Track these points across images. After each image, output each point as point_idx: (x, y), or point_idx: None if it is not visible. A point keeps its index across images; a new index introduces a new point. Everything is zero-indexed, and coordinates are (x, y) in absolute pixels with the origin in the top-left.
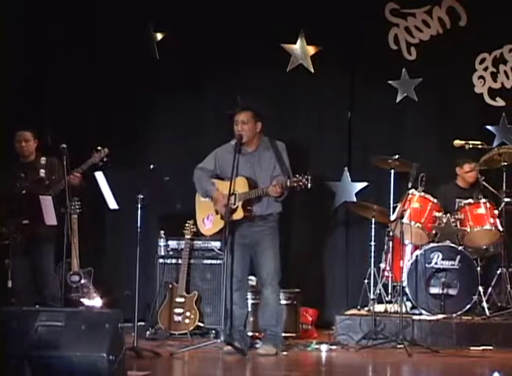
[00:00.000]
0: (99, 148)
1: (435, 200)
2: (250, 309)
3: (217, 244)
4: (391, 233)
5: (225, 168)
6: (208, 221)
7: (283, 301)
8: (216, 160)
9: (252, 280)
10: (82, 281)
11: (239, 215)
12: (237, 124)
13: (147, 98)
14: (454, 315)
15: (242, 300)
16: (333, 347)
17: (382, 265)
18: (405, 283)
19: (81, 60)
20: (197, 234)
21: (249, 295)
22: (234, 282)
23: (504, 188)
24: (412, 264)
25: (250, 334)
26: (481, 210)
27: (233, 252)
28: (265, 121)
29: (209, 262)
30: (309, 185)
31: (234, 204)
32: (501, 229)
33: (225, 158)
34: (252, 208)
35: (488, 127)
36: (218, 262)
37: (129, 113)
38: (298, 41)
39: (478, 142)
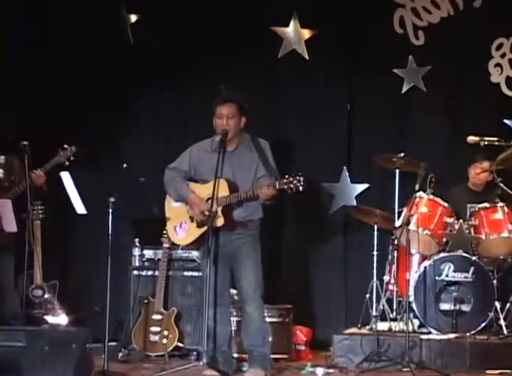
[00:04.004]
0: (66, 146)
1: (446, 204)
2: (234, 328)
3: (199, 254)
4: (395, 242)
5: (200, 169)
6: (181, 229)
7: (274, 319)
8: (191, 160)
9: (236, 295)
10: (46, 296)
11: (219, 221)
12: (221, 118)
13: (120, 89)
14: (467, 334)
15: (224, 317)
16: (331, 370)
17: (386, 278)
18: (411, 298)
19: (44, 45)
20: None
21: (233, 312)
22: (214, 296)
23: None
24: (419, 276)
25: (235, 355)
26: (498, 215)
27: (216, 263)
28: (253, 114)
29: (190, 274)
30: (301, 187)
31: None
32: None
33: (201, 157)
34: (232, 214)
35: (506, 121)
36: (200, 274)
37: (99, 105)
38: (291, 24)
39: (495, 139)
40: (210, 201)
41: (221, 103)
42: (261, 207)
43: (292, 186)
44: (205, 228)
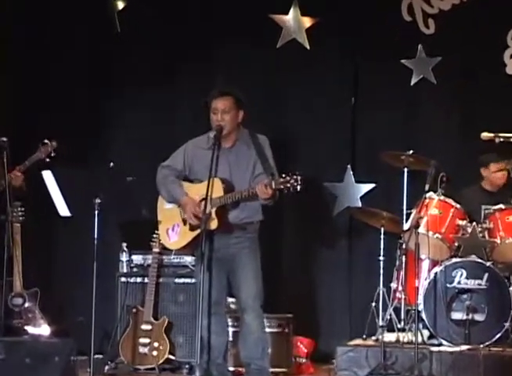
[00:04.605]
0: (46, 141)
1: (458, 206)
2: (231, 339)
3: (192, 260)
4: (403, 246)
5: (194, 168)
6: (173, 232)
7: (273, 329)
8: (185, 158)
9: (233, 303)
10: (26, 304)
11: (213, 224)
12: (216, 113)
13: (107, 82)
14: (481, 346)
15: (220, 327)
16: None
17: (393, 285)
18: (421, 307)
19: (25, 35)
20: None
21: (229, 321)
22: (208, 305)
23: None
24: (429, 283)
25: (231, 368)
26: None
27: (210, 269)
28: (250, 108)
29: (182, 280)
30: (299, 187)
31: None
32: None
33: (197, 155)
34: (228, 216)
35: None
36: (193, 280)
37: (85, 99)
38: (291, 11)
39: (511, 135)
40: (203, 202)
41: (217, 97)
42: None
43: (289, 185)
44: (198, 231)
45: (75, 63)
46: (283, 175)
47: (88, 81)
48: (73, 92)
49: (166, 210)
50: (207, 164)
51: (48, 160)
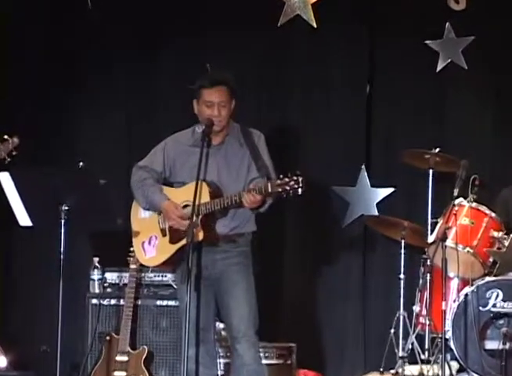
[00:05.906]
0: (6, 137)
1: (493, 214)
2: (221, 372)
3: (175, 278)
4: (428, 262)
5: (176, 169)
6: (150, 246)
7: (272, 361)
8: (165, 157)
9: (224, 330)
10: None
11: (199, 235)
12: (210, 107)
13: (74, 65)
14: None
15: (208, 358)
16: None
17: (416, 308)
18: (449, 335)
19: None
20: None
21: (220, 351)
22: (195, 332)
23: None
24: (459, 306)
25: None
26: None
27: (198, 289)
28: (245, 99)
29: (164, 303)
30: (300, 190)
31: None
32: None
33: (179, 153)
34: (215, 226)
35: None
36: (178, 303)
37: (48, 87)
38: None
39: None
40: (187, 209)
41: (209, 86)
42: (255, 217)
43: (288, 188)
44: (181, 243)
45: (37, 51)
46: (281, 176)
47: (51, 69)
48: (35, 83)
49: (141, 220)
50: (191, 165)
51: (8, 159)
